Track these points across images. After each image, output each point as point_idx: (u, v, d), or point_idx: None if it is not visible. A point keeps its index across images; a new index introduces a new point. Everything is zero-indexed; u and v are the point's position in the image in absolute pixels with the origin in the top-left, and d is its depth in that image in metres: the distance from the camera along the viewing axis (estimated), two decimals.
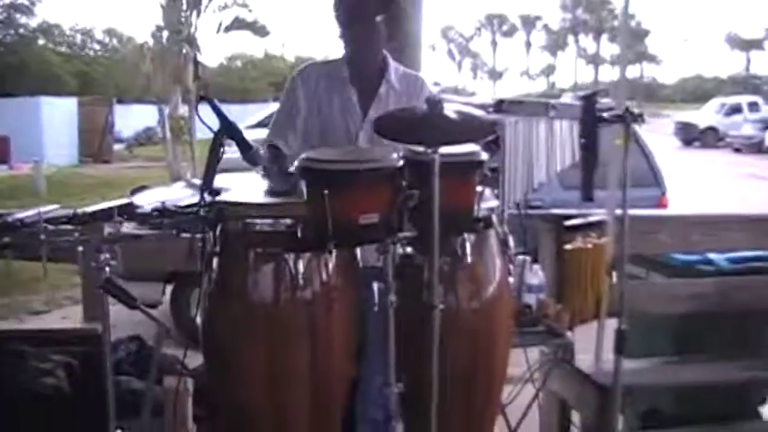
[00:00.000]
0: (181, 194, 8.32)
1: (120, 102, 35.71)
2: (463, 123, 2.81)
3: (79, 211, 3.11)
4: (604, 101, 3.44)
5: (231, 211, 2.85)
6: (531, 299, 4.03)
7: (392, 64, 3.72)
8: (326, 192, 2.59)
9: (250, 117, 20.27)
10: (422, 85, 3.74)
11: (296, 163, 2.74)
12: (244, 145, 2.90)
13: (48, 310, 9.24)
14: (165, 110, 22.33)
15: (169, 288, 7.31)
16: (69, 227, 3.10)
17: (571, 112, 3.38)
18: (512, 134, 3.22)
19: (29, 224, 3.12)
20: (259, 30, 26.86)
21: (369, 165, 2.71)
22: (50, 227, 3.09)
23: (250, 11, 25.20)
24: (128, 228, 3.26)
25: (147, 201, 6.83)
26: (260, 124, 19.86)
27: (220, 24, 23.94)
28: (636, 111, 3.24)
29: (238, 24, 24.79)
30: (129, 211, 3.20)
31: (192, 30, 22.49)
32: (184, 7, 22.54)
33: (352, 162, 2.73)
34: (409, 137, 2.82)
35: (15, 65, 41.72)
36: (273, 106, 21.62)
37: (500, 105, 3.20)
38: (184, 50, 21.95)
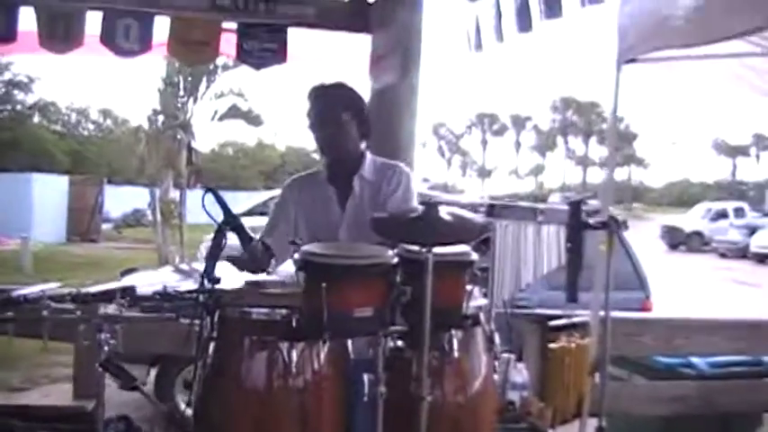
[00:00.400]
0: (169, 279, 8.39)
1: (110, 182, 35.98)
2: (457, 225, 2.96)
3: (82, 290, 3.20)
4: (592, 203, 3.58)
5: (229, 298, 2.95)
6: (514, 396, 4.09)
7: (369, 158, 3.91)
8: (324, 284, 2.71)
9: (240, 205, 20.43)
10: (394, 173, 3.88)
11: (296, 256, 2.85)
12: (245, 237, 3.03)
13: (27, 387, 9.18)
14: (156, 192, 22.45)
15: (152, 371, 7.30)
16: (70, 305, 3.18)
17: (558, 217, 3.52)
18: (502, 237, 3.35)
19: (32, 300, 3.20)
20: (253, 119, 27.22)
21: (366, 261, 2.85)
22: (53, 304, 3.17)
23: (246, 100, 25.54)
24: (118, 309, 3.34)
25: (137, 283, 6.89)
26: (250, 212, 20.00)
27: (216, 112, 24.21)
28: (620, 218, 3.38)
29: (234, 113, 25.07)
30: (130, 294, 3.29)
31: (188, 115, 22.79)
32: (181, 93, 22.87)
33: (351, 258, 2.87)
34: (406, 236, 2.96)
35: (9, 141, 41.97)
36: (264, 195, 21.87)
37: (491, 209, 3.34)
38: (179, 135, 22.20)
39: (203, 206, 3.02)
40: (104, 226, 33.79)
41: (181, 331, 3.27)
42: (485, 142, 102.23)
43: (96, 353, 3.19)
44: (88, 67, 53.36)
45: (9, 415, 3.96)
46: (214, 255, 2.92)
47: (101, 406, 3.23)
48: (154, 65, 21.20)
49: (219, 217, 3.01)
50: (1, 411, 4.26)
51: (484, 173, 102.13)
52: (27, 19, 5.68)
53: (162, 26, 5.79)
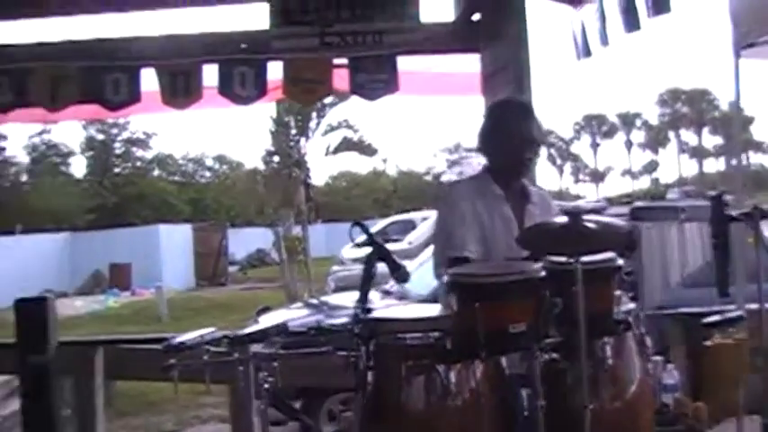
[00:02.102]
0: (300, 314, 8.55)
1: (233, 225, 36.72)
2: (603, 232, 2.96)
3: (238, 332, 3.31)
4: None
5: (383, 327, 3.01)
6: (667, 398, 4.05)
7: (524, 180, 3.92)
8: (477, 304, 2.74)
9: (357, 236, 20.61)
10: (550, 200, 3.91)
11: (444, 278, 2.90)
12: (393, 264, 3.10)
13: (178, 429, 9.47)
14: (279, 231, 22.83)
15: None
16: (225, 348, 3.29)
17: (700, 214, 3.47)
18: (648, 239, 3.32)
19: (191, 346, 3.33)
20: (366, 149, 27.40)
21: (516, 277, 2.88)
22: (212, 348, 3.28)
23: (356, 131, 25.81)
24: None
25: (272, 321, 7.07)
26: (367, 243, 20.17)
27: (328, 147, 24.59)
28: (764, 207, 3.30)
29: (346, 145, 25.35)
30: (284, 331, 3.39)
31: (302, 152, 23.23)
32: (293, 132, 23.33)
33: (501, 275, 2.90)
34: (553, 248, 2.97)
35: (134, 196, 43.68)
36: (381, 222, 21.99)
37: (634, 212, 3.32)
38: (294, 173, 22.62)
39: (351, 239, 3.09)
40: (230, 269, 34.51)
41: (330, 364, 3.34)
42: (595, 145, 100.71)
43: (253, 392, 3.29)
44: (200, 118, 54.99)
45: None
46: (365, 285, 3.00)
47: None
48: (263, 107, 21.70)
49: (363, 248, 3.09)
50: None
51: (597, 176, 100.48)
52: (148, 80, 5.92)
53: (275, 70, 5.94)
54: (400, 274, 3.14)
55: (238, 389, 3.61)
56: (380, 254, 3.11)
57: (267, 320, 7.67)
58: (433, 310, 3.29)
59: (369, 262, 3.05)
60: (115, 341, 5.85)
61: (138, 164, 49.06)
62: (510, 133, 3.74)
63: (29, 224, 32.94)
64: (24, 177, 44.23)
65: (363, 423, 3.04)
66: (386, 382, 2.99)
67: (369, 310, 2.99)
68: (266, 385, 3.18)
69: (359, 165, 56.67)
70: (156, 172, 49.99)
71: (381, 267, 3.23)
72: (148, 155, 49.79)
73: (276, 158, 23.72)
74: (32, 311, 4.85)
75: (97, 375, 5.28)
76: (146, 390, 10.09)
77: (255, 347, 3.46)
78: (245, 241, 37.09)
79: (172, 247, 29.89)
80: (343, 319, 3.12)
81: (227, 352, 3.30)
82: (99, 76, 5.87)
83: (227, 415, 9.20)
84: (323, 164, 56.00)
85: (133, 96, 5.90)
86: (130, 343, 5.89)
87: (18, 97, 5.95)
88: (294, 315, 8.52)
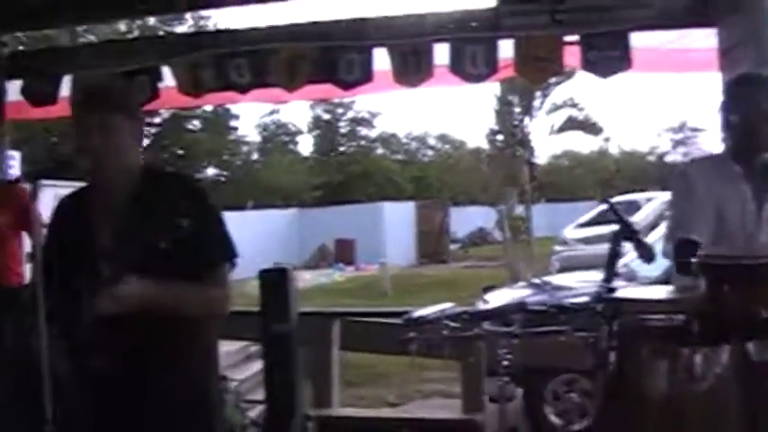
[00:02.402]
0: (524, 293, 8.48)
1: (454, 204, 37.01)
2: None
3: (477, 309, 3.33)
4: None
5: (628, 307, 2.95)
6: None
7: None
8: (727, 287, 2.64)
9: (579, 216, 20.21)
10: None
11: (694, 259, 2.80)
12: (639, 243, 3.03)
13: (400, 402, 9.65)
14: (503, 210, 22.81)
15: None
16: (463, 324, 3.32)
17: None
18: None
19: (432, 321, 3.38)
20: (591, 128, 26.84)
21: None
22: (451, 324, 3.32)
23: (580, 110, 25.35)
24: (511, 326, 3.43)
25: (499, 300, 7.05)
26: (590, 222, 19.77)
27: (552, 126, 24.30)
28: None
29: (570, 124, 24.98)
30: (522, 309, 3.38)
31: (526, 131, 23.07)
32: (517, 110, 23.21)
33: (755, 258, 2.77)
34: None
35: (358, 173, 44.91)
36: (603, 204, 21.51)
37: None
38: (518, 152, 22.51)
39: (615, 213, 3.03)
40: (452, 246, 34.82)
41: (564, 344, 3.30)
42: None
43: (485, 368, 3.30)
44: (422, 98, 55.61)
45: (407, 427, 4.19)
46: (611, 264, 2.95)
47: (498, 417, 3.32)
48: (486, 86, 21.68)
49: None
50: (399, 423, 4.53)
51: None
52: (380, 59, 6.04)
53: (505, 48, 5.90)
54: (646, 253, 3.06)
55: (470, 365, 3.64)
56: (627, 232, 3.04)
57: (493, 298, 7.67)
58: (669, 291, 3.20)
59: (615, 240, 3.00)
60: (350, 314, 6.03)
61: (363, 142, 50.34)
62: (750, 110, 3.56)
63: (259, 200, 34.62)
64: (255, 156, 46.35)
65: (603, 403, 3.01)
66: (628, 364, 2.94)
67: (612, 290, 2.93)
68: (505, 363, 3.18)
69: (581, 144, 55.61)
70: (380, 150, 51.10)
71: (604, 248, 3.16)
72: (372, 134, 51.02)
73: (500, 137, 23.66)
74: (275, 282, 5.08)
75: (334, 346, 5.48)
76: (374, 362, 10.38)
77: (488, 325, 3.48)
78: (466, 219, 37.28)
79: (395, 224, 30.47)
80: (584, 299, 3.08)
81: (465, 328, 3.33)
82: (334, 56, 6.03)
83: (449, 390, 9.38)
84: (545, 143, 55.08)
85: (366, 76, 6.01)
86: (364, 316, 6.05)
87: (257, 78, 6.21)
88: (518, 294, 8.47)
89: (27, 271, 6.50)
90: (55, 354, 2.60)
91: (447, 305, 3.53)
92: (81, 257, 2.70)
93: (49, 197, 2.90)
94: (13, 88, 6.95)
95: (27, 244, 6.57)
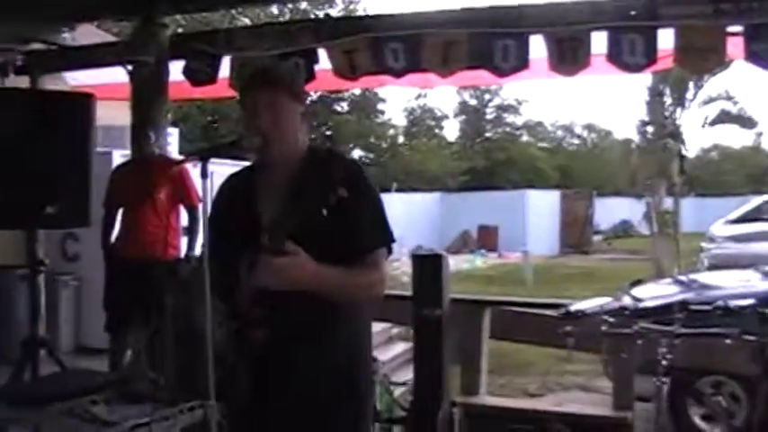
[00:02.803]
0: (670, 290, 8.25)
1: (598, 194, 36.44)
2: None
3: (639, 306, 3.26)
4: None
5: None
6: None
7: None
8: None
9: (728, 212, 19.50)
10: None
11: None
12: None
13: (540, 393, 9.57)
14: (651, 203, 22.28)
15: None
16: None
17: None
18: None
19: (590, 315, 3.33)
20: (745, 122, 25.78)
21: None
22: (609, 319, 3.26)
23: (735, 103, 24.41)
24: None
25: (644, 295, 6.88)
26: (741, 219, 19.04)
27: (706, 119, 23.53)
28: None
29: (724, 117, 24.11)
30: (685, 308, 3.29)
31: (677, 123, 22.44)
32: (668, 102, 22.61)
33: None
34: None
35: (503, 160, 44.74)
36: (757, 200, 20.71)
37: None
38: (669, 144, 21.91)
39: None
40: (594, 237, 34.30)
41: (720, 345, 3.19)
42: None
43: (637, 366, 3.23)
44: (570, 86, 54.86)
45: (557, 420, 4.15)
46: None
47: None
48: (638, 77, 21.18)
49: None
50: (548, 416, 4.49)
51: None
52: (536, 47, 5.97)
53: (664, 38, 5.73)
54: None
55: (622, 362, 3.57)
56: None
57: (641, 293, 7.49)
58: None
59: None
60: (500, 302, 6.00)
61: (509, 129, 50.09)
62: None
63: (404, 183, 34.87)
64: (401, 139, 46.70)
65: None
66: None
67: None
68: (664, 362, 3.09)
69: (732, 138, 53.56)
70: (526, 138, 50.73)
71: (761, 247, 3.02)
72: (519, 121, 50.67)
73: (650, 129, 23.09)
74: (429, 266, 5.10)
75: (484, 334, 5.46)
76: (512, 351, 10.33)
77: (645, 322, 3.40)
78: (610, 211, 36.69)
79: (538, 213, 30.23)
80: (748, 300, 2.95)
81: (623, 324, 3.26)
82: (489, 42, 5.99)
83: (589, 384, 9.26)
84: (696, 135, 53.39)
85: (522, 63, 5.95)
86: (512, 305, 6.01)
87: (411, 63, 6.23)
88: (664, 291, 8.26)
89: (183, 245, 6.77)
90: (216, 326, 2.68)
91: (604, 300, 3.46)
92: (244, 232, 2.77)
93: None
94: (175, 69, 7.21)
95: (183, 218, 6.85)
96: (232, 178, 3.02)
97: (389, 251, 2.82)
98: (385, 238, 2.79)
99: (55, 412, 3.38)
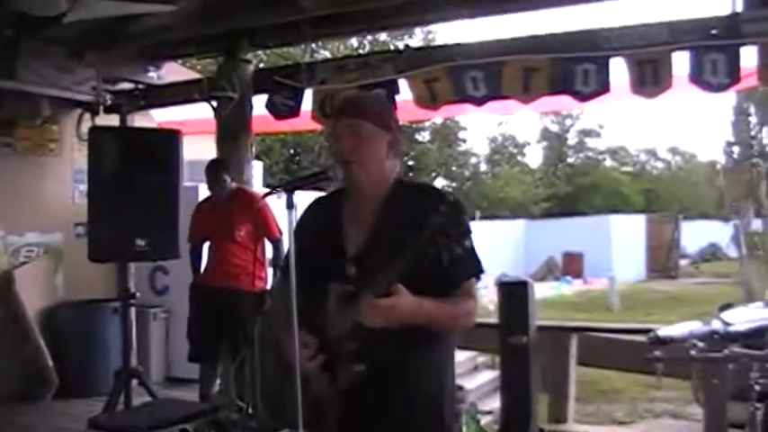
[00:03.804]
0: (762, 314, 8.05)
1: (684, 218, 35.77)
2: None
3: (730, 330, 3.20)
4: None
5: None
6: None
7: None
8: None
9: None
10: None
11: None
12: None
13: (630, 420, 9.43)
14: (738, 225, 21.81)
15: None
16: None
17: None
18: None
19: (678, 340, 3.28)
20: None
21: None
22: (699, 344, 3.21)
23: None
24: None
25: (734, 319, 6.73)
26: None
27: None
28: None
29: None
30: None
31: (764, 143, 22.01)
32: (754, 121, 22.20)
33: None
34: None
35: (586, 186, 44.24)
36: None
37: None
38: (756, 165, 21.46)
39: None
40: (681, 261, 33.65)
41: None
42: None
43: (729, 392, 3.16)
44: (652, 109, 54.01)
45: None
46: None
47: None
48: (721, 96, 20.85)
49: None
50: None
51: None
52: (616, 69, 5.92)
53: (748, 56, 5.63)
54: None
55: (714, 387, 3.50)
56: None
57: (731, 318, 7.32)
58: None
59: None
60: (586, 329, 5.93)
61: (591, 154, 49.51)
62: None
63: (486, 211, 34.75)
64: (483, 167, 46.54)
65: None
66: None
67: None
68: (757, 387, 3.02)
69: None
70: (609, 162, 50.09)
71: None
72: (601, 145, 50.09)
73: (736, 149, 22.65)
74: (515, 294, 5.08)
75: (571, 360, 5.41)
76: (597, 378, 10.20)
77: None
78: (696, 234, 35.93)
79: (623, 238, 29.79)
80: None
81: (713, 348, 3.20)
82: (569, 67, 5.97)
83: (679, 411, 9.07)
84: None
85: (602, 86, 5.92)
86: (599, 331, 5.95)
87: (492, 90, 6.24)
88: (755, 315, 8.04)
89: (269, 276, 6.86)
90: (303, 354, 2.69)
91: (694, 324, 3.40)
92: (328, 261, 2.79)
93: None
94: (258, 103, 7.36)
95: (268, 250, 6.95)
96: (315, 204, 3.04)
97: (478, 281, 2.82)
98: (477, 268, 2.78)
99: None
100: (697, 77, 5.65)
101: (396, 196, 2.79)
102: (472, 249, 2.73)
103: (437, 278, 2.60)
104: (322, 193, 3.08)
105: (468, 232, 2.71)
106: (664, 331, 3.36)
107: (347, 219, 2.86)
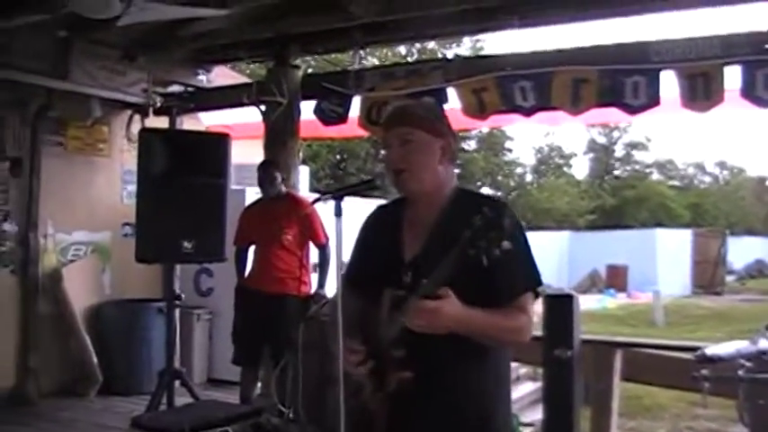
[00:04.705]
0: None
1: (732, 233, 35.38)
2: None
3: None
4: None
5: None
6: None
7: None
8: None
9: None
10: None
11: None
12: None
13: None
14: None
15: None
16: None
17: None
18: None
19: (726, 359, 3.24)
20: None
21: None
22: (747, 363, 3.16)
23: None
24: None
25: None
26: None
27: None
28: None
29: None
30: None
31: None
32: None
33: None
34: None
35: (632, 198, 43.97)
36: None
37: None
38: None
39: None
40: (727, 278, 33.26)
41: None
42: None
43: None
44: (700, 122, 53.60)
45: None
46: None
47: None
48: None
49: None
50: None
51: None
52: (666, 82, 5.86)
53: None
54: None
55: (761, 408, 3.44)
56: None
57: None
58: None
59: None
60: (631, 344, 5.87)
61: (637, 167, 49.23)
62: None
63: (532, 222, 34.64)
64: (529, 177, 46.45)
65: None
66: None
67: None
68: None
69: None
70: (655, 176, 49.75)
71: None
72: (648, 158, 49.78)
73: None
74: (560, 307, 5.04)
75: (615, 376, 5.36)
76: (641, 393, 10.10)
77: None
78: (743, 250, 35.56)
79: (668, 252, 29.49)
80: None
81: (762, 368, 3.15)
82: (619, 79, 5.93)
83: (723, 430, 8.95)
84: None
85: (652, 99, 5.87)
86: (643, 347, 5.88)
87: (540, 101, 6.22)
88: None
89: (313, 281, 6.89)
90: (351, 360, 2.69)
91: (741, 343, 3.35)
92: (385, 267, 2.79)
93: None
94: (306, 108, 7.40)
95: (313, 255, 6.98)
96: (377, 211, 3.04)
97: (536, 295, 2.78)
98: (534, 281, 2.75)
99: None
100: (749, 92, 5.58)
101: (453, 204, 2.78)
102: (530, 263, 2.71)
103: (482, 285, 2.55)
104: (369, 201, 3.08)
105: (526, 244, 2.70)
106: (711, 350, 3.32)
107: (406, 226, 2.86)
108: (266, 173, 6.84)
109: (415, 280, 2.62)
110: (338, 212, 2.76)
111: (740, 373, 3.18)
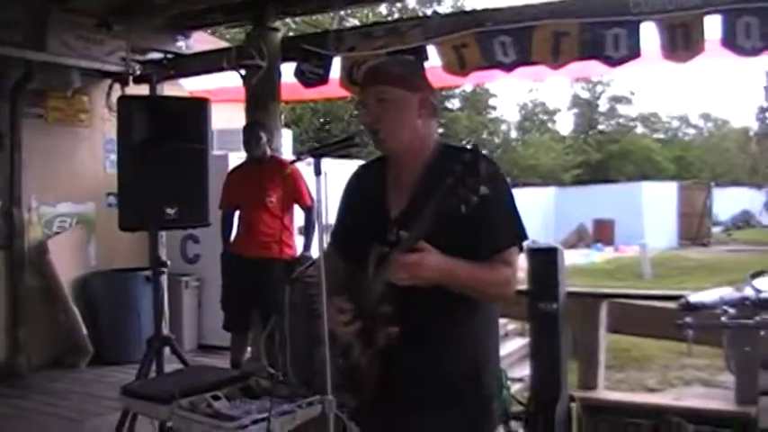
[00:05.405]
0: None
1: (717, 185, 35.48)
2: None
3: (762, 296, 3.17)
4: None
5: None
6: None
7: None
8: None
9: None
10: None
11: None
12: None
13: (661, 388, 9.41)
14: None
15: None
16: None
17: None
18: None
19: (709, 306, 3.25)
20: None
21: None
22: (730, 310, 3.18)
23: None
24: None
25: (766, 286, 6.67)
26: None
27: None
28: None
29: None
30: None
31: None
32: None
33: None
34: None
35: (616, 152, 43.98)
36: None
37: None
38: None
39: None
40: (714, 229, 33.45)
41: None
42: None
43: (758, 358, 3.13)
44: (683, 75, 53.63)
45: (677, 415, 4.07)
46: None
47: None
48: (755, 61, 20.54)
49: None
50: (668, 411, 4.41)
51: None
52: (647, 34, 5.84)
53: None
54: None
55: (746, 355, 3.47)
56: None
57: (763, 285, 7.27)
58: None
59: None
60: (616, 295, 5.89)
61: (622, 121, 49.20)
62: None
63: (517, 179, 34.66)
64: (514, 134, 46.41)
65: None
66: None
67: None
68: None
69: None
70: (640, 129, 49.75)
71: None
72: (632, 112, 49.76)
73: None
74: (544, 260, 5.05)
75: (601, 328, 5.38)
76: (628, 345, 10.18)
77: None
78: (729, 202, 35.71)
79: (654, 205, 29.61)
80: None
81: (745, 315, 3.16)
82: (599, 32, 5.89)
83: (711, 379, 9.06)
84: None
85: (633, 51, 5.83)
86: (629, 298, 5.91)
87: (521, 56, 6.18)
88: None
89: (298, 244, 6.89)
90: (339, 320, 2.70)
91: (725, 290, 3.36)
92: (371, 225, 2.79)
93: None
94: (287, 71, 7.35)
95: (298, 218, 6.97)
96: (360, 170, 3.03)
97: (521, 249, 2.77)
98: (518, 235, 2.74)
99: (179, 407, 3.48)
100: (730, 41, 5.55)
101: (436, 158, 2.77)
102: (514, 216, 2.71)
103: (464, 235, 2.55)
104: (349, 160, 3.07)
105: (511, 199, 2.69)
106: (694, 297, 3.33)
107: (391, 183, 2.85)
108: (251, 133, 6.83)
109: (400, 236, 2.62)
110: (318, 171, 2.75)
111: (724, 319, 3.19)
